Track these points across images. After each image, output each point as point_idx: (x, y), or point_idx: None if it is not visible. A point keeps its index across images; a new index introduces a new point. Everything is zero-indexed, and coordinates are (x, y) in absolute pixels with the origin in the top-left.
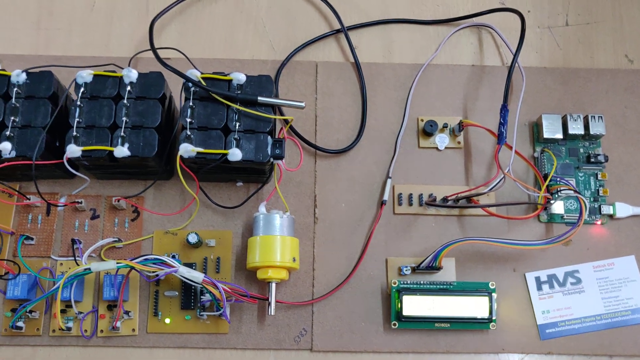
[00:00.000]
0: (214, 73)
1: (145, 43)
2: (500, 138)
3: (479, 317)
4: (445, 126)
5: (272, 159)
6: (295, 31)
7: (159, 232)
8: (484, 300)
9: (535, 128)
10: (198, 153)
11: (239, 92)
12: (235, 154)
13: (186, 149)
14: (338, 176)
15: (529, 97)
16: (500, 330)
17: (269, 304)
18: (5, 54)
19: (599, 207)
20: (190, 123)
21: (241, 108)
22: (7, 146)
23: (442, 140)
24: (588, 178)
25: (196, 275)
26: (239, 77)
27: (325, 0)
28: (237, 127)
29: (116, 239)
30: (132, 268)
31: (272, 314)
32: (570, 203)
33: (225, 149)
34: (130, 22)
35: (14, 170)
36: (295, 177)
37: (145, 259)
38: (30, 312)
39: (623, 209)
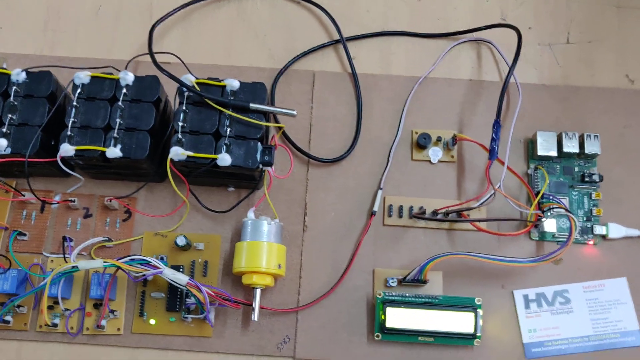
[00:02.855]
0: (208, 79)
1: (146, 47)
2: (492, 153)
3: (463, 332)
4: (439, 139)
5: (261, 166)
6: (294, 41)
7: (149, 233)
8: (469, 315)
9: (530, 145)
10: (188, 157)
11: (231, 98)
12: (224, 159)
13: (176, 152)
14: (329, 185)
15: (526, 114)
16: (485, 347)
17: (253, 309)
18: (12, 53)
19: (592, 227)
20: (182, 127)
21: (233, 114)
22: (3, 143)
23: (435, 153)
24: (582, 197)
25: (181, 278)
26: (233, 84)
27: (325, 10)
28: (228, 133)
29: (106, 239)
30: (119, 267)
31: (256, 319)
32: (563, 222)
33: (215, 154)
34: (133, 27)
35: (11, 166)
36: (286, 185)
37: (132, 259)
38: (19, 306)
39: (616, 230)
